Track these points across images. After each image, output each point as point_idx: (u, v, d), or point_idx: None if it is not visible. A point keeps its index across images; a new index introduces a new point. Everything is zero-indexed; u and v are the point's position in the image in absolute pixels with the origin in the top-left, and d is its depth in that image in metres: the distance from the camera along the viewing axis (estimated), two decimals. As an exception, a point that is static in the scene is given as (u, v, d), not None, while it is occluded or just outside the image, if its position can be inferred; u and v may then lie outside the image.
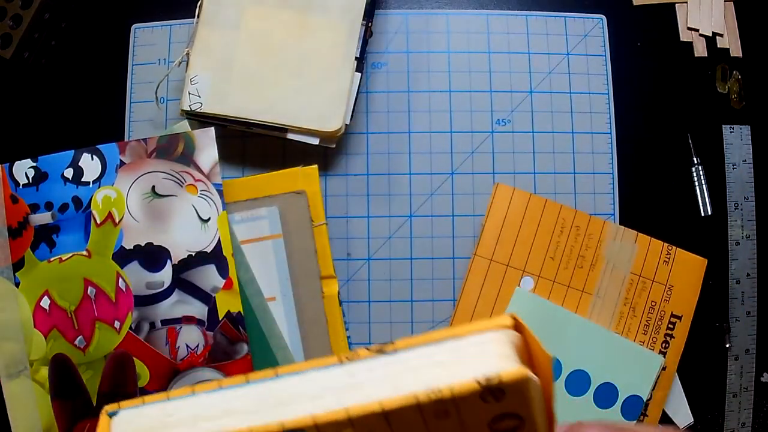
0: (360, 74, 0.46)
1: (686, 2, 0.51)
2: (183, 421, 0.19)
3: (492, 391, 0.17)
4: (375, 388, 0.18)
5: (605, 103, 0.50)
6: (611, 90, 0.50)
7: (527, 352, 0.18)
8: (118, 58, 0.49)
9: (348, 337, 0.46)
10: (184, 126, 0.45)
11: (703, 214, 0.49)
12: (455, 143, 0.49)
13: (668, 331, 0.46)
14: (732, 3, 0.51)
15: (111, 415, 0.20)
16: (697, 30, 0.51)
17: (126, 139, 0.48)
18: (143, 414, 0.20)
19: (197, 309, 0.43)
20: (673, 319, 0.46)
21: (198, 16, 0.46)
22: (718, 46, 0.51)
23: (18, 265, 0.43)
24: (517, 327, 0.18)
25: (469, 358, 0.18)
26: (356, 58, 0.45)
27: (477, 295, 0.46)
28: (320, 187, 0.47)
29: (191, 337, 0.43)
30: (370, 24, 0.46)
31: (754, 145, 0.50)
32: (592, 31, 0.50)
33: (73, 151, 0.44)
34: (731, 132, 0.50)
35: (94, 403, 0.42)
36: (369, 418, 0.17)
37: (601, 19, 0.50)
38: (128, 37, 0.49)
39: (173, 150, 0.44)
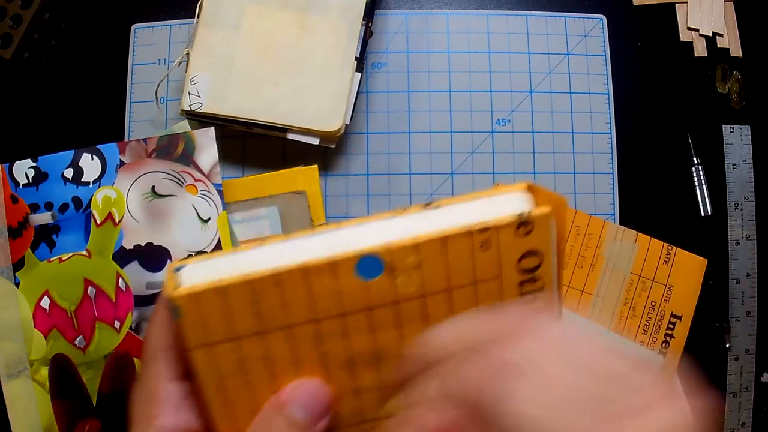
0: (360, 74, 0.46)
1: (686, 2, 0.51)
2: (255, 261, 0.21)
3: (524, 224, 0.21)
4: (431, 227, 0.21)
5: (605, 103, 0.50)
6: (611, 90, 0.50)
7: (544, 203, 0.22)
8: (118, 58, 0.49)
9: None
10: (184, 126, 0.45)
11: (703, 214, 0.49)
12: (455, 143, 0.49)
13: (668, 331, 0.46)
14: (732, 3, 0.51)
15: (177, 270, 0.21)
16: (697, 30, 0.51)
17: (126, 139, 0.48)
18: (210, 265, 0.21)
19: (197, 309, 0.43)
20: (673, 319, 0.46)
21: (198, 16, 0.46)
22: (718, 46, 0.51)
23: (18, 265, 0.43)
24: (531, 189, 0.22)
25: (501, 206, 0.21)
26: (356, 58, 0.45)
27: (477, 295, 0.46)
28: (320, 187, 0.47)
29: (191, 337, 0.43)
30: (370, 24, 0.46)
31: (754, 145, 0.50)
32: (592, 31, 0.50)
33: (73, 151, 0.44)
34: (731, 132, 0.50)
35: (94, 403, 0.42)
36: (431, 245, 0.20)
37: (601, 19, 0.50)
38: (128, 37, 0.49)
39: (173, 150, 0.44)
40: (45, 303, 0.43)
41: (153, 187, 0.44)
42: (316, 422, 0.22)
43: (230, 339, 0.21)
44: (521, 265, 0.21)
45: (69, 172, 0.44)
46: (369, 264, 0.20)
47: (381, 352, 0.22)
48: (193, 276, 0.21)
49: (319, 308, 0.21)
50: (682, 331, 0.46)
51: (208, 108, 0.44)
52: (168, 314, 0.22)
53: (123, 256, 0.43)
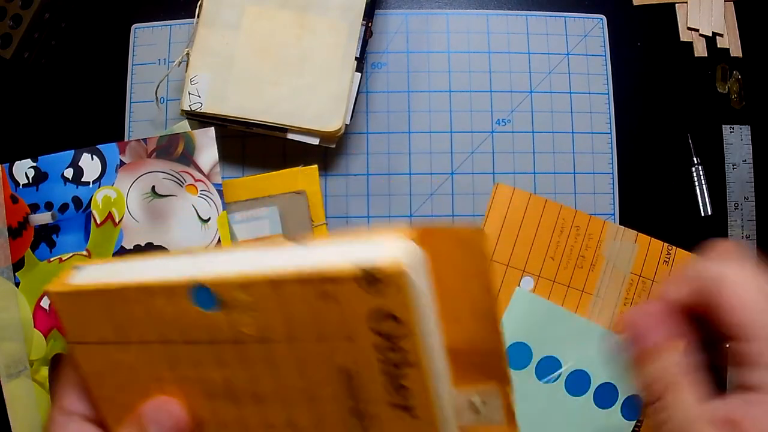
0: (360, 74, 0.46)
1: (686, 2, 0.51)
2: (133, 273, 0.21)
3: (369, 278, 0.17)
4: (276, 265, 0.19)
5: (605, 103, 0.50)
6: (611, 90, 0.50)
7: (439, 261, 0.18)
8: (118, 58, 0.49)
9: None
10: (184, 126, 0.45)
11: (703, 214, 0.49)
12: (455, 143, 0.49)
13: (668, 331, 0.46)
14: (732, 3, 0.51)
15: (75, 268, 0.22)
16: (697, 30, 0.51)
17: (126, 139, 0.48)
18: (100, 270, 0.22)
19: (197, 309, 0.43)
20: (673, 319, 0.46)
21: (198, 16, 0.46)
22: (718, 46, 0.51)
23: (18, 265, 0.43)
24: (422, 233, 0.18)
25: (367, 250, 0.18)
26: (356, 58, 0.45)
27: (477, 295, 0.46)
28: (320, 187, 0.47)
29: (191, 337, 0.43)
30: (370, 24, 0.46)
31: (754, 145, 0.50)
32: (592, 31, 0.50)
33: (73, 151, 0.44)
34: (731, 132, 0.50)
35: (94, 403, 0.42)
36: (261, 286, 0.18)
37: (601, 19, 0.50)
38: (128, 37, 0.49)
39: (173, 150, 0.44)
40: (45, 303, 0.43)
41: (153, 187, 0.44)
42: None
43: (97, 342, 0.22)
44: (377, 327, 0.18)
45: (69, 172, 0.44)
46: (202, 294, 0.20)
47: (234, 390, 0.21)
48: (84, 277, 0.22)
49: (166, 330, 0.21)
50: (682, 331, 0.46)
51: (208, 108, 0.44)
52: None
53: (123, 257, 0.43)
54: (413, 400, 0.19)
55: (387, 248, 0.17)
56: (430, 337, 0.18)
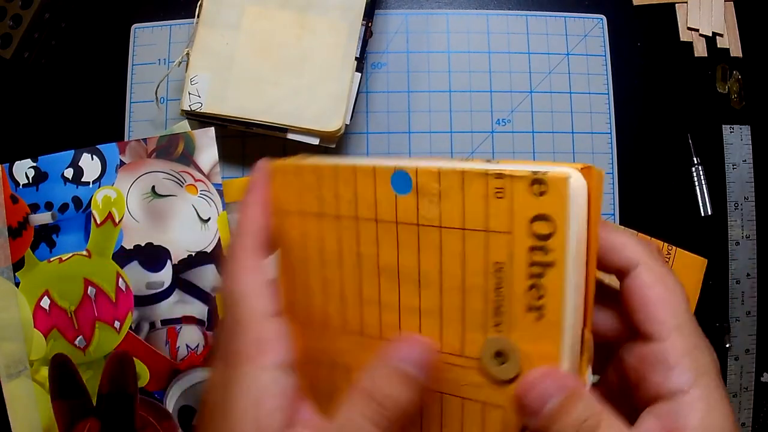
0: (360, 74, 0.46)
1: (686, 2, 0.51)
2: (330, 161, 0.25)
3: (538, 181, 0.21)
4: (466, 166, 0.22)
5: (605, 103, 0.50)
6: (611, 90, 0.50)
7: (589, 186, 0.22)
8: (118, 58, 0.49)
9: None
10: (184, 126, 0.45)
11: (703, 214, 0.49)
12: (455, 143, 0.49)
13: (668, 331, 0.46)
14: (732, 3, 0.51)
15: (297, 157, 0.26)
16: (697, 30, 0.51)
17: (126, 139, 0.48)
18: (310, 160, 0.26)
19: (197, 309, 0.43)
20: (673, 319, 0.46)
21: (198, 16, 0.46)
22: (718, 46, 0.51)
23: (18, 265, 0.43)
24: (584, 168, 0.21)
25: (544, 167, 0.21)
26: (356, 58, 0.45)
27: (477, 295, 0.46)
28: (320, 187, 0.46)
29: (191, 337, 0.43)
30: (370, 24, 0.46)
31: (754, 145, 0.50)
32: (592, 31, 0.50)
33: (73, 151, 0.44)
34: (731, 132, 0.50)
35: (94, 403, 0.42)
36: (452, 176, 0.22)
37: (601, 19, 0.50)
38: (128, 37, 0.49)
39: (173, 150, 0.44)
40: (45, 303, 0.43)
41: (153, 187, 0.44)
42: (423, 377, 0.23)
43: (298, 213, 0.25)
44: (533, 228, 0.21)
45: (69, 172, 0.44)
46: (401, 179, 0.23)
47: (401, 270, 0.24)
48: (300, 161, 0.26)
49: (360, 207, 0.24)
50: (682, 331, 0.46)
51: (208, 108, 0.44)
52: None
53: (123, 256, 0.43)
54: (546, 299, 0.21)
55: (559, 168, 0.21)
56: (576, 247, 0.21)
